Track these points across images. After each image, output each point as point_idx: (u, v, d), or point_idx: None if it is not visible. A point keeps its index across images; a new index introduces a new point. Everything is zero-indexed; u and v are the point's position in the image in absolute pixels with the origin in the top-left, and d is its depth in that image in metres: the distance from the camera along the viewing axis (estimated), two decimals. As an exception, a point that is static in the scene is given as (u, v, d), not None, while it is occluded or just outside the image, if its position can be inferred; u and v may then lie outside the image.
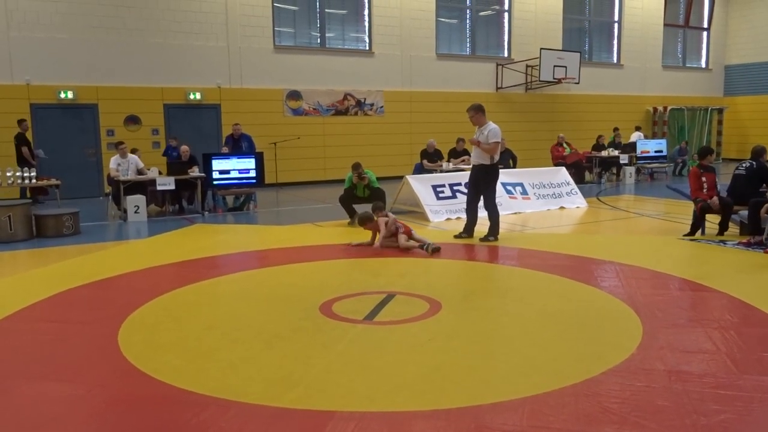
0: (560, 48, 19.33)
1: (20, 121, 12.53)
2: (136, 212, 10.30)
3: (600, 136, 17.15)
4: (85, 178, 13.68)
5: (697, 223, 8.21)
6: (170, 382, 3.67)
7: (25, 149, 12.26)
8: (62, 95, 13.47)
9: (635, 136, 18.15)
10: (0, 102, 12.94)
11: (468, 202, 8.33)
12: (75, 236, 9.03)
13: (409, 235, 7.66)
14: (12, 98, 13.05)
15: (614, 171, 16.86)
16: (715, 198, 8.01)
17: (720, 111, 23.07)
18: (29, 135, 12.78)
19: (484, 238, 8.05)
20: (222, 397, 3.44)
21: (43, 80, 13.30)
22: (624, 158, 16.33)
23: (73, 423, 3.24)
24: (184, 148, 11.58)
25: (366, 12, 16.91)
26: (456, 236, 8.28)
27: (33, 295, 5.66)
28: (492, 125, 7.95)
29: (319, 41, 16.49)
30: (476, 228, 8.29)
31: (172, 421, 3.21)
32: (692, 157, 19.17)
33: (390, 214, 7.91)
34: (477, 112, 8.01)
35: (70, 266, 6.96)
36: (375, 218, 7.81)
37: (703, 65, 23.67)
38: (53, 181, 11.08)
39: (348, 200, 9.69)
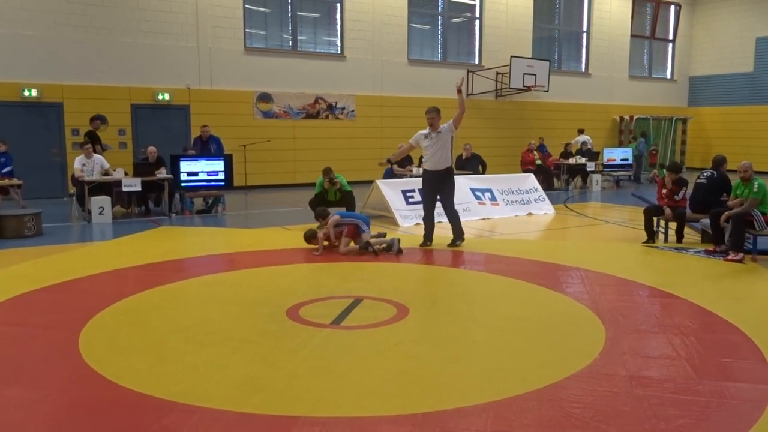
0: (530, 56, 19.56)
1: (92, 119, 12.43)
2: (100, 213, 10.10)
3: (568, 144, 17.39)
4: (49, 179, 13.38)
5: (647, 228, 8.42)
6: (131, 386, 3.61)
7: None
8: (26, 93, 13.14)
9: (580, 140, 18.16)
10: (-40, 99, 12.63)
11: (427, 211, 8.20)
12: (37, 237, 8.81)
13: (351, 236, 7.68)
14: (-27, 95, 12.73)
15: (581, 177, 17.09)
16: (668, 209, 8.23)
17: (684, 121, 23.58)
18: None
19: (452, 243, 8.06)
20: (185, 402, 3.40)
21: (6, 77, 12.97)
22: (591, 166, 16.58)
23: (29, 428, 3.17)
24: (151, 149, 11.41)
25: (338, 16, 16.88)
26: (422, 245, 8.23)
27: (-9, 297, 5.52)
28: (445, 124, 8.01)
29: (290, 44, 16.42)
30: (440, 233, 8.28)
31: (132, 427, 3.15)
32: (658, 166, 19.54)
33: (330, 220, 7.83)
34: (438, 114, 8.04)
35: (31, 268, 6.80)
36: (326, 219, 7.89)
37: (669, 76, 24.19)
38: (15, 181, 10.83)
39: (318, 204, 9.63)
